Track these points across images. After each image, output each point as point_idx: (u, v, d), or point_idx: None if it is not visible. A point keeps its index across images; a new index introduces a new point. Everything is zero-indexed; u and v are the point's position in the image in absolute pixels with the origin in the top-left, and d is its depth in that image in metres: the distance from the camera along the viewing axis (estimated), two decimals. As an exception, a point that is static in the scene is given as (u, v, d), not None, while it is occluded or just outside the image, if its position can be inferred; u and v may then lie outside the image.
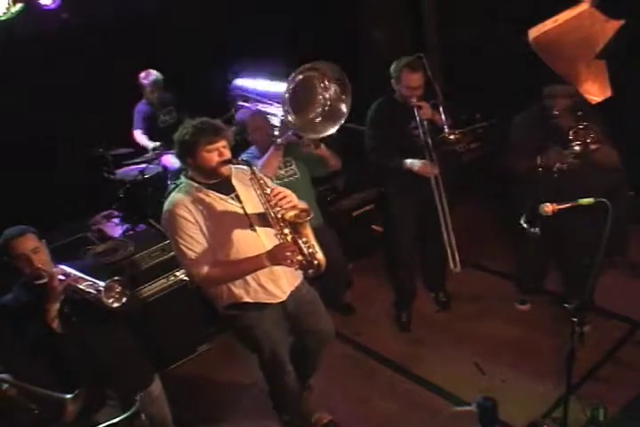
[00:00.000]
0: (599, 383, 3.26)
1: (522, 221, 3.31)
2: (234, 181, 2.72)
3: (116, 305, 2.36)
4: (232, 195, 2.69)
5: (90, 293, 2.37)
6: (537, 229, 3.27)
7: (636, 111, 3.97)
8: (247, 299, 2.74)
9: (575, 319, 2.52)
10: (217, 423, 3.47)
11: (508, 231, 3.65)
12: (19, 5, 4.01)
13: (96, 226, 4.65)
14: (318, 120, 3.10)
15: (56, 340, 2.38)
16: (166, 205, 2.66)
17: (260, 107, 3.38)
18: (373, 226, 4.85)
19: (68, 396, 2.25)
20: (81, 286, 2.39)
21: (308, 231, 2.60)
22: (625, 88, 3.06)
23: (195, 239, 2.59)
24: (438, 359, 3.67)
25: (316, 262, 2.59)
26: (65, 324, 2.39)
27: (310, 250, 2.57)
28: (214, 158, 2.57)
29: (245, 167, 2.63)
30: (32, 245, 2.41)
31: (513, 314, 3.97)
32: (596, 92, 2.89)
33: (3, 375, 2.32)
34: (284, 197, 2.57)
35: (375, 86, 3.70)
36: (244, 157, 3.47)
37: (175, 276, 3.91)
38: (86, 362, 2.49)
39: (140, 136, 5.02)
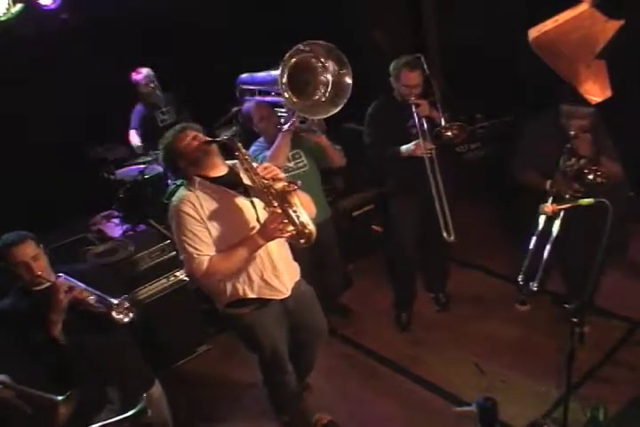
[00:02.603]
0: (599, 383, 3.26)
1: (519, 279, 3.24)
2: (242, 175, 2.71)
3: (126, 320, 2.41)
4: (240, 188, 2.68)
5: (98, 307, 2.38)
6: (535, 285, 3.19)
7: (636, 111, 3.96)
8: (251, 295, 2.73)
9: (575, 320, 2.52)
10: (217, 423, 3.48)
11: (508, 232, 3.65)
12: (19, 5, 4.01)
13: (96, 226, 4.65)
14: (324, 100, 3.08)
15: (57, 347, 2.37)
16: (172, 201, 2.67)
17: (267, 98, 3.39)
18: (373, 226, 4.85)
19: (60, 397, 2.23)
20: (90, 302, 2.39)
21: (297, 201, 2.55)
22: (625, 88, 3.06)
23: (198, 237, 2.57)
24: (438, 359, 3.67)
25: (307, 231, 2.52)
26: (66, 331, 2.37)
27: (301, 219, 2.52)
28: (193, 144, 2.59)
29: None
30: (32, 252, 2.37)
31: (513, 314, 3.97)
32: (596, 92, 2.89)
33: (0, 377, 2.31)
34: (271, 170, 2.57)
35: (375, 86, 3.70)
36: (253, 148, 3.48)
37: (175, 276, 3.91)
38: (86, 366, 2.48)
39: (133, 136, 5.02)
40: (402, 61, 3.49)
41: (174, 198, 2.67)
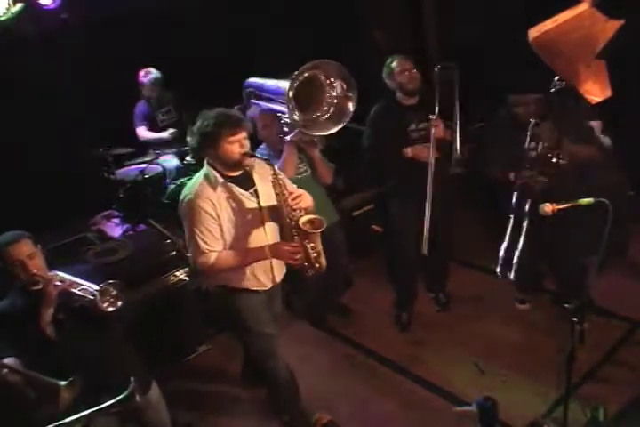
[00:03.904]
0: (599, 383, 3.26)
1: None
2: (254, 175, 2.79)
3: (111, 309, 2.35)
4: (251, 190, 2.76)
5: (85, 297, 2.35)
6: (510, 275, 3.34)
7: (636, 111, 3.97)
8: (237, 285, 2.86)
9: (575, 319, 2.52)
10: (217, 423, 3.47)
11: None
12: (19, 5, 4.02)
13: (96, 226, 4.67)
14: (325, 118, 3.13)
15: (49, 346, 2.36)
16: (189, 194, 2.70)
17: (271, 105, 3.41)
18: (373, 226, 4.85)
19: (63, 382, 2.25)
20: (76, 291, 2.37)
21: (317, 238, 2.71)
22: (625, 88, 3.06)
23: (211, 233, 2.67)
24: (438, 359, 3.66)
25: (317, 266, 2.71)
26: (59, 330, 2.37)
27: (315, 255, 2.68)
28: (236, 150, 2.64)
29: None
30: (28, 251, 2.37)
31: (513, 314, 3.97)
32: (596, 92, 2.89)
33: (8, 360, 2.32)
34: (301, 200, 2.70)
35: (375, 87, 3.70)
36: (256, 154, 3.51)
37: (175, 276, 3.91)
38: (80, 368, 2.43)
39: (145, 132, 5.02)
40: (389, 58, 3.59)
41: (190, 191, 2.71)
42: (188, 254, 3.00)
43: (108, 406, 2.20)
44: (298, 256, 2.67)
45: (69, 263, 3.72)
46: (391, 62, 3.57)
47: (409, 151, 3.54)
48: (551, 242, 3.55)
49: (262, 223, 2.76)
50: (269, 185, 2.70)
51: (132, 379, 2.30)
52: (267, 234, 2.78)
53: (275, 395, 3.31)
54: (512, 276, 3.34)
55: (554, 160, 3.13)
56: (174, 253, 3.89)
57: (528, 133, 3.23)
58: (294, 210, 2.67)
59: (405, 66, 3.53)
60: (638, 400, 3.06)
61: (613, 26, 2.75)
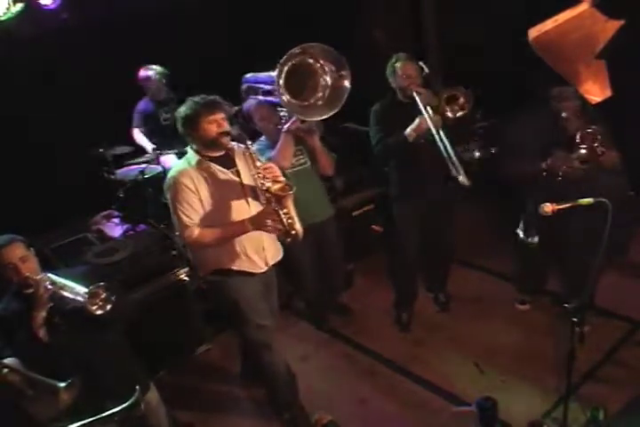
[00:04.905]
0: (599, 383, 3.26)
1: (518, 230, 3.33)
2: (236, 159, 2.92)
3: (99, 312, 2.33)
4: (232, 169, 2.90)
5: (76, 300, 2.34)
6: (535, 239, 3.32)
7: (636, 111, 3.96)
8: (232, 266, 2.93)
9: (575, 319, 2.52)
10: (217, 423, 3.47)
11: (508, 232, 3.65)
12: (19, 5, 4.01)
13: (96, 226, 4.66)
14: (322, 102, 3.13)
15: (42, 348, 2.35)
16: (171, 172, 2.89)
17: (269, 98, 3.41)
18: (373, 226, 4.85)
19: (62, 384, 2.27)
20: (66, 294, 2.36)
21: (290, 204, 2.79)
22: (625, 88, 3.05)
23: (192, 206, 2.80)
24: (438, 359, 3.67)
25: (293, 232, 2.78)
26: (53, 333, 2.37)
27: (289, 221, 2.76)
28: (214, 129, 2.78)
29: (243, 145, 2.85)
30: (20, 254, 2.38)
31: (513, 314, 3.97)
32: (596, 92, 2.89)
33: (9, 360, 2.34)
34: (272, 171, 2.77)
35: (375, 87, 3.69)
36: (256, 147, 3.50)
37: (175, 276, 3.91)
38: (79, 370, 2.42)
39: (138, 135, 5.01)
40: (394, 57, 3.56)
41: (174, 170, 2.88)
42: (176, 233, 3.09)
43: (112, 413, 2.22)
44: (277, 225, 2.74)
45: (69, 263, 3.75)
46: (395, 62, 3.53)
47: (409, 132, 3.39)
48: (572, 242, 3.53)
49: (245, 198, 2.87)
50: (249, 165, 2.82)
51: (137, 388, 2.30)
52: (250, 209, 2.87)
53: (274, 392, 3.32)
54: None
55: (595, 144, 3.04)
56: (174, 253, 3.88)
57: (558, 124, 3.17)
58: (265, 178, 2.74)
59: (408, 70, 3.48)
60: (638, 400, 3.06)
61: (613, 26, 2.76)
